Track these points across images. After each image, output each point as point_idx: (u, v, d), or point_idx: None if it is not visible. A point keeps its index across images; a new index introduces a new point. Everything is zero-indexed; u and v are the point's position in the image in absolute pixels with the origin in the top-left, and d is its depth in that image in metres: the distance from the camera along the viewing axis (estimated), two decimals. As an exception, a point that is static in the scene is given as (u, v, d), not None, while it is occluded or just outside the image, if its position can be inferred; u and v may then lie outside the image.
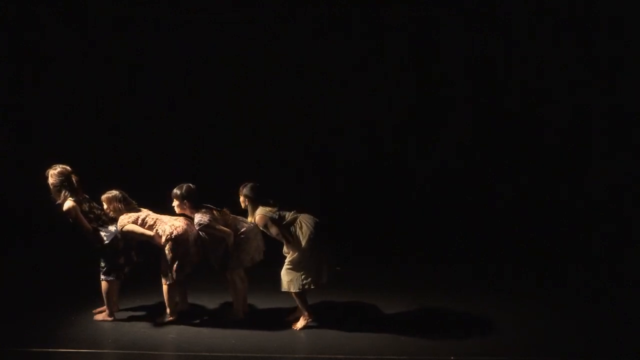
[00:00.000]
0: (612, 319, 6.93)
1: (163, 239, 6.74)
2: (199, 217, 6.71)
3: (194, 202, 6.79)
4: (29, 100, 10.01)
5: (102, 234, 6.83)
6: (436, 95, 9.95)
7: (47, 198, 6.84)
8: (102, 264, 6.91)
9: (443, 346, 6.28)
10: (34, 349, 6.27)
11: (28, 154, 9.59)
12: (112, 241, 6.83)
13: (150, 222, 6.82)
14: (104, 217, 6.90)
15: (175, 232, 6.72)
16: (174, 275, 6.80)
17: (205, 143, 10.07)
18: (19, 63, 9.93)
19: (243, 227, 6.84)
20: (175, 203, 6.83)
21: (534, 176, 9.82)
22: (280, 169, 9.83)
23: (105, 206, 6.88)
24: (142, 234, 6.80)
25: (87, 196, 6.89)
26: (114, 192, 6.86)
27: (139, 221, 6.80)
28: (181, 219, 6.89)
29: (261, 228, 6.71)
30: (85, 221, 6.76)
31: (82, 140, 9.80)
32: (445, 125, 9.96)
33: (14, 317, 7.04)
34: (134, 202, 6.95)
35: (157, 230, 6.78)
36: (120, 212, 6.83)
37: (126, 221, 6.79)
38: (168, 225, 6.77)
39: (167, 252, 6.75)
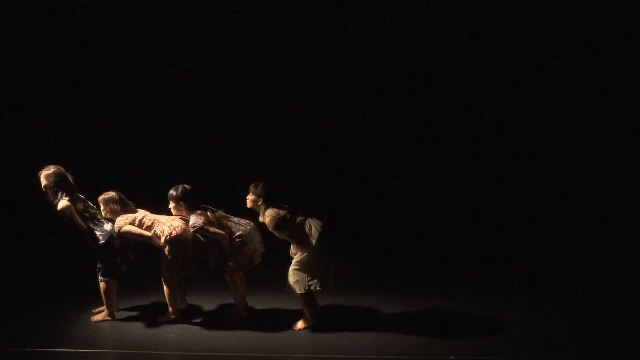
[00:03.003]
0: (612, 319, 6.92)
1: (162, 240, 6.70)
2: (193, 220, 6.66)
3: (190, 204, 6.74)
4: (29, 100, 10.00)
5: (98, 233, 6.78)
6: (436, 95, 9.95)
7: (46, 198, 6.82)
8: (99, 265, 6.87)
9: (443, 346, 6.28)
10: (34, 349, 6.27)
11: (28, 154, 9.58)
12: (108, 240, 6.79)
13: (148, 223, 6.76)
14: (99, 217, 6.85)
15: (174, 233, 6.69)
16: (175, 276, 6.80)
17: (205, 143, 10.06)
18: (19, 63, 9.93)
19: (239, 230, 6.77)
20: (172, 205, 6.80)
21: (534, 176, 9.82)
22: (280, 168, 9.83)
23: (102, 208, 6.80)
24: (141, 235, 6.74)
25: (81, 196, 6.86)
26: (111, 194, 6.79)
27: (137, 222, 6.74)
28: (179, 218, 6.86)
29: (271, 229, 6.60)
30: (80, 221, 6.72)
31: (82, 141, 9.80)
32: (446, 125, 9.95)
33: (14, 317, 7.04)
34: (131, 203, 6.87)
35: (155, 231, 6.73)
36: (117, 214, 6.75)
37: (123, 223, 6.72)
38: (167, 226, 6.73)
39: (166, 253, 6.72)
